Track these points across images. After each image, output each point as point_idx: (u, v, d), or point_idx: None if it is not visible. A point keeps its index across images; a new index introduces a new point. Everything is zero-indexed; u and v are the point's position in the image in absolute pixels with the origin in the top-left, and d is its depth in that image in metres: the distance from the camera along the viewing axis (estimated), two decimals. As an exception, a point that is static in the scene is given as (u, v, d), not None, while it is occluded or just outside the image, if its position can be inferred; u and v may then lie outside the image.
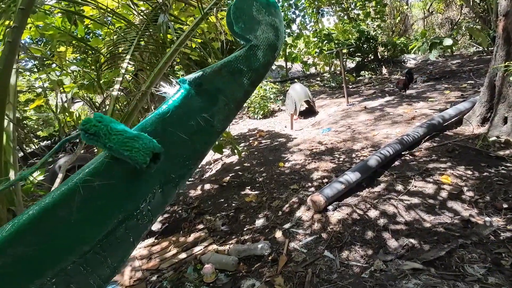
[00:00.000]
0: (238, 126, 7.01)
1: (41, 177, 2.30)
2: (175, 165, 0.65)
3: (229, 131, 3.19)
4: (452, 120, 4.05)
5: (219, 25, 3.19)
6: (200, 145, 0.68)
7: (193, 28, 1.55)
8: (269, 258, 2.20)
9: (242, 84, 0.70)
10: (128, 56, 2.27)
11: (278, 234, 2.44)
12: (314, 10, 9.70)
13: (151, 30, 2.35)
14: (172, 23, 2.42)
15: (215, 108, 0.68)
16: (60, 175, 1.97)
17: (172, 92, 0.70)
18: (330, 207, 2.60)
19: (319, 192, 2.62)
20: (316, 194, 2.60)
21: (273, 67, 10.25)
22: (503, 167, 2.80)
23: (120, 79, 2.18)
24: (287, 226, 2.53)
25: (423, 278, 1.69)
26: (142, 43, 2.46)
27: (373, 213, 2.47)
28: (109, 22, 3.12)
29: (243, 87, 0.71)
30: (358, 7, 9.52)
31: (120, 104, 2.39)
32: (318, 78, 10.99)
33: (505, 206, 2.20)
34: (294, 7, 9.62)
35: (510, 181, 2.50)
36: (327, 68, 10.85)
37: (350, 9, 9.93)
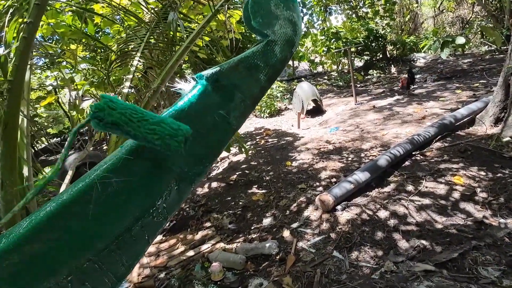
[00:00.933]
0: (245, 125, 6.99)
1: (53, 175, 2.33)
2: (191, 162, 0.64)
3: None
4: (464, 120, 3.96)
5: (228, 23, 3.18)
6: (215, 142, 0.68)
7: (204, 25, 1.54)
8: (277, 257, 2.19)
9: (258, 80, 0.69)
10: (138, 54, 2.28)
11: (286, 234, 2.42)
12: (322, 8, 9.62)
13: (161, 27, 2.35)
14: (182, 21, 2.42)
15: (232, 105, 0.67)
16: (70, 172, 1.99)
17: (188, 88, 0.70)
18: (338, 207, 2.57)
19: (328, 192, 2.59)
20: (325, 194, 2.57)
21: None
22: (517, 168, 2.73)
23: (130, 76, 2.19)
24: (295, 225, 2.51)
25: (435, 280, 1.66)
26: (152, 40, 2.47)
27: (383, 214, 2.43)
28: (119, 20, 3.14)
29: (260, 83, 0.70)
30: (367, 5, 9.40)
31: (130, 102, 2.41)
32: (326, 77, 10.90)
33: (520, 208, 2.14)
34: (301, 5, 9.55)
35: (526, 183, 2.43)
36: (334, 67, 10.76)
37: (358, 7, 9.82)
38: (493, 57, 8.28)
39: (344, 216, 2.47)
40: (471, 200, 2.41)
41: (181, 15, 2.63)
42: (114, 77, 3.02)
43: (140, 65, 2.45)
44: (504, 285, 1.55)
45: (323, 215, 2.54)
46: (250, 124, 7.01)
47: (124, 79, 2.31)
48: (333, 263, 2.01)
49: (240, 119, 0.71)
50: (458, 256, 1.83)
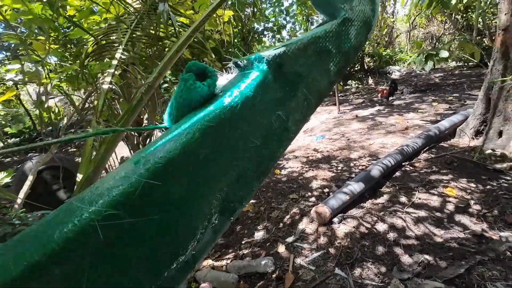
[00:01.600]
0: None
1: (8, 179, 1.98)
2: (237, 184, 0.45)
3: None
4: (446, 131, 4.07)
5: (220, 22, 3.00)
6: (268, 156, 0.48)
7: (209, 13, 1.35)
8: (273, 276, 2.00)
9: (328, 71, 0.51)
10: (121, 46, 2.02)
11: (281, 249, 2.24)
12: (305, 17, 9.73)
13: (149, 19, 2.11)
14: (171, 13, 2.20)
15: (293, 103, 0.48)
16: (30, 177, 1.68)
17: (230, 76, 0.50)
18: (335, 219, 2.44)
19: (324, 203, 2.46)
20: (321, 205, 2.43)
21: None
22: (503, 180, 2.78)
23: (112, 70, 1.92)
24: (290, 239, 2.34)
25: (448, 301, 1.56)
26: (138, 33, 2.21)
27: (381, 227, 2.33)
28: (97, 12, 2.83)
29: (329, 75, 0.52)
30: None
31: (111, 98, 2.13)
32: None
33: (516, 221, 2.14)
34: (285, 13, 9.62)
35: (516, 195, 2.46)
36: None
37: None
38: (462, 72, 8.82)
39: (341, 229, 2.35)
40: (466, 213, 2.39)
41: (171, 9, 2.40)
42: (90, 71, 2.70)
43: (124, 58, 2.19)
44: (519, 305, 1.49)
45: (319, 228, 2.39)
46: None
47: (105, 74, 2.04)
48: (336, 281, 1.86)
49: (299, 125, 0.52)
50: (464, 272, 1.76)
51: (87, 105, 2.31)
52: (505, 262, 1.80)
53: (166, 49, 2.60)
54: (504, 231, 2.09)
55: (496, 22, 7.09)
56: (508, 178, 2.81)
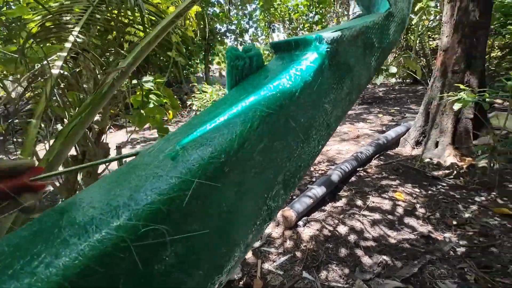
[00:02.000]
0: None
1: None
2: (278, 186, 0.39)
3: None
4: (392, 141, 4.48)
5: (188, 15, 2.86)
6: (311, 154, 0.43)
7: None
8: (241, 282, 1.93)
9: (369, 66, 0.49)
10: (77, 28, 1.76)
11: (248, 254, 2.19)
12: (267, 24, 9.92)
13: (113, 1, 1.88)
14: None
15: (339, 97, 0.44)
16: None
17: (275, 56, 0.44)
18: (300, 223, 2.48)
19: (290, 207, 2.48)
20: (287, 209, 2.45)
21: (223, 72, 10.02)
22: (440, 186, 3.15)
23: (64, 54, 1.66)
24: (257, 244, 2.30)
25: (407, 299, 1.68)
26: (98, 16, 1.96)
27: (342, 229, 2.44)
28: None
29: (370, 70, 0.49)
30: (305, 29, 10.15)
31: (60, 87, 1.85)
32: None
33: (454, 222, 2.43)
34: (248, 17, 9.66)
35: (452, 200, 2.80)
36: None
37: (298, 29, 10.52)
38: (401, 88, 9.90)
39: (306, 232, 2.39)
40: (413, 215, 2.64)
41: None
42: (32, 55, 2.30)
43: (80, 42, 1.91)
44: (464, 298, 1.66)
45: (285, 232, 2.40)
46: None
47: (55, 57, 1.75)
48: (305, 285, 1.87)
49: (338, 122, 0.49)
50: (418, 271, 1.92)
51: (28, 93, 1.96)
52: (449, 261, 2.02)
53: (129, 37, 2.37)
54: (446, 232, 2.35)
55: (432, 45, 8.13)
56: (444, 184, 3.19)
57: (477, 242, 2.18)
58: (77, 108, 1.67)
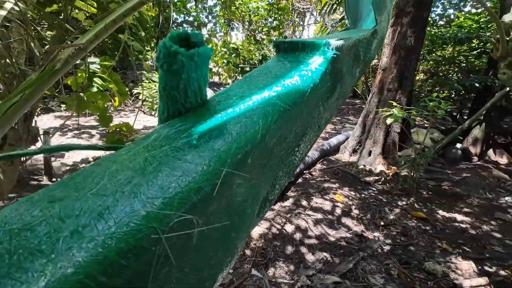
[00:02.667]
0: (130, 120, 6.01)
1: None
2: (270, 190, 0.41)
3: (129, 123, 2.61)
4: (333, 147, 4.89)
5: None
6: (301, 152, 0.47)
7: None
8: (189, 281, 1.90)
9: (354, 76, 0.54)
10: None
11: (198, 252, 2.16)
12: (226, 21, 9.78)
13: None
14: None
15: (330, 101, 0.49)
16: None
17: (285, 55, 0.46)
18: (250, 221, 2.54)
19: (241, 205, 2.52)
20: (239, 208, 2.48)
21: None
22: (371, 190, 3.56)
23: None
24: (207, 242, 2.28)
25: (344, 292, 1.87)
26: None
27: (289, 228, 2.58)
28: None
29: (354, 80, 0.55)
30: (263, 32, 10.32)
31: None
32: (221, 88, 11.06)
33: (381, 223, 2.78)
34: (207, 11, 9.38)
35: (380, 203, 3.20)
36: (229, 81, 11.10)
37: (257, 31, 10.64)
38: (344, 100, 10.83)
39: (256, 230, 2.46)
40: (349, 216, 2.93)
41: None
42: None
43: (16, 11, 1.62)
44: (389, 289, 1.93)
45: (236, 230, 2.43)
46: (137, 121, 6.08)
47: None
48: (253, 282, 1.93)
49: (326, 124, 0.53)
50: (352, 267, 2.15)
51: None
52: (378, 258, 2.31)
53: (75, 14, 2.11)
54: (375, 231, 2.67)
55: (372, 64, 9.08)
56: (374, 189, 3.62)
57: (399, 241, 2.53)
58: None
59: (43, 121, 5.24)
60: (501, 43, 1.52)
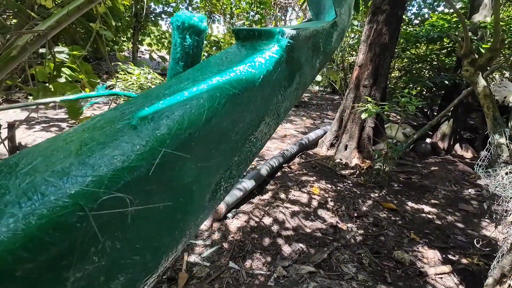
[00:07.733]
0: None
1: None
2: (230, 171, 0.42)
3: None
4: (312, 141, 4.99)
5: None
6: (260, 139, 0.48)
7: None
8: (164, 277, 1.89)
9: (314, 67, 0.56)
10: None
11: (175, 247, 2.14)
12: (207, 13, 9.56)
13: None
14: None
15: (288, 90, 0.50)
16: None
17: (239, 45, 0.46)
18: (229, 215, 2.55)
19: (219, 199, 2.52)
20: (217, 201, 2.48)
21: (155, 56, 9.18)
22: (347, 183, 3.68)
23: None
24: (184, 236, 2.26)
25: (318, 280, 1.93)
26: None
27: (267, 220, 2.62)
28: None
29: (314, 70, 0.56)
30: (246, 26, 10.20)
31: None
32: None
33: (355, 214, 2.89)
34: (187, 2, 9.09)
35: (355, 195, 3.32)
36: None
37: (238, 24, 10.50)
38: (322, 96, 11.02)
39: (234, 223, 2.48)
40: (325, 208, 3.02)
41: None
42: None
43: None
44: (360, 279, 2.02)
45: (214, 224, 2.44)
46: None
47: None
48: (230, 275, 1.95)
49: (285, 114, 0.55)
50: (327, 257, 2.23)
51: None
52: (351, 248, 2.40)
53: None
54: (349, 223, 2.78)
55: (349, 60, 9.28)
56: (349, 181, 3.75)
57: (371, 231, 2.65)
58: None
59: (9, 113, 4.93)
60: (465, 42, 1.61)
